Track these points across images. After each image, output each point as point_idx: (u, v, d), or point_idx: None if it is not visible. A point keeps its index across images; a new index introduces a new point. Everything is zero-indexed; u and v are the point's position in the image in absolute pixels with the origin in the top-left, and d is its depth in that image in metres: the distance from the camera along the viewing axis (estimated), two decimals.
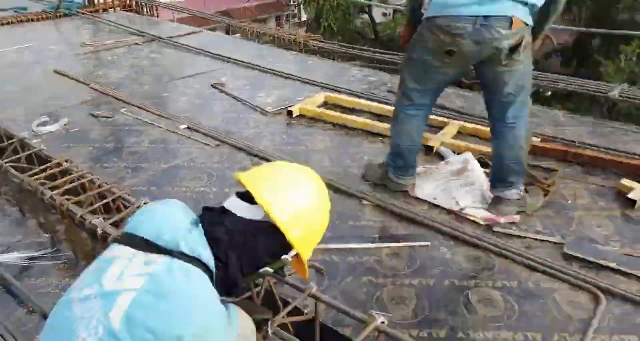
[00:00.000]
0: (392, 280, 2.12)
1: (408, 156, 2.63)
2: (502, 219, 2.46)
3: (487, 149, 3.01)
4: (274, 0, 28.97)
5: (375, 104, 3.89)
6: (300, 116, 3.80)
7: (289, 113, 3.77)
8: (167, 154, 3.20)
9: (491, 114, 2.47)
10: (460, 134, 3.47)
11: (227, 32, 7.91)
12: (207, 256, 1.15)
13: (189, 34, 6.29)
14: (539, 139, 3.22)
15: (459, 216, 2.53)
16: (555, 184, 2.75)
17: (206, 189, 2.80)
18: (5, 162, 2.59)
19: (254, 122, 3.72)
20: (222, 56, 5.21)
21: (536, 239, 2.36)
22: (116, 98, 4.10)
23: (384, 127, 3.43)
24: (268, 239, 1.25)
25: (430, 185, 2.75)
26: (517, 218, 2.46)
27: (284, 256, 1.33)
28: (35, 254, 2.27)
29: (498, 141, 2.47)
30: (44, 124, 3.52)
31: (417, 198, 2.70)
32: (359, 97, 4.09)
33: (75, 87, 4.34)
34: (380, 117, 3.73)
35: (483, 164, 2.94)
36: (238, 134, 3.48)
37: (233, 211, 1.26)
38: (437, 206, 2.63)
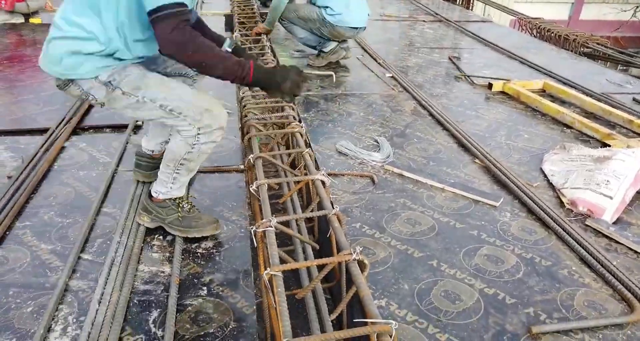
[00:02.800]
0: (424, 211, 2.11)
1: None
2: (580, 207, 2.05)
3: None
4: None
5: (589, 99, 3.42)
6: (503, 93, 3.69)
7: (490, 86, 3.70)
8: (359, 86, 3.69)
9: None
10: None
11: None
12: None
13: (477, 21, 6.49)
14: None
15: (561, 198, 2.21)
16: None
17: (357, 109, 3.19)
18: None
19: (453, 86, 3.82)
20: (483, 39, 5.28)
21: (629, 248, 1.89)
22: (364, 48, 4.78)
23: (572, 117, 3.07)
24: None
25: (560, 163, 2.45)
26: (600, 212, 2.04)
27: None
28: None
29: None
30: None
31: (543, 173, 2.46)
32: (589, 95, 3.63)
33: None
34: (587, 114, 3.30)
35: None
36: (428, 90, 3.68)
37: None
38: (551, 184, 2.34)
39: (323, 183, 1.66)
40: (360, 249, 1.21)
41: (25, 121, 2.81)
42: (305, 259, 1.65)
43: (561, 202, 2.20)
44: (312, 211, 1.69)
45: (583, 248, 1.85)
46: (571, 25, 20.15)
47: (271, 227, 1.37)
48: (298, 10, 4.06)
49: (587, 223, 2.03)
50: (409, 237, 1.92)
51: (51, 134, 2.59)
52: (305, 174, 2.03)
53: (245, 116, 2.30)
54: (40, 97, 3.20)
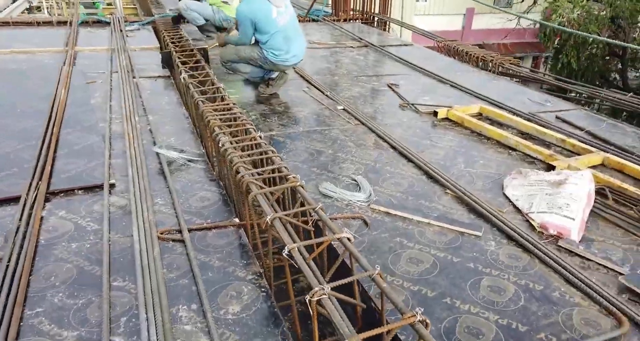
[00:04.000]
0: (421, 248, 2.29)
1: None
2: (550, 230, 2.35)
3: (619, 183, 2.83)
4: (534, 40, 27.76)
5: (523, 121, 3.84)
6: (447, 119, 4.01)
7: (435, 113, 4.02)
8: (317, 121, 3.84)
9: None
10: (603, 166, 3.23)
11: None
12: None
13: (399, 45, 6.93)
14: None
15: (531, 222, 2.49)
16: None
17: (324, 146, 3.32)
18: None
19: (402, 115, 4.09)
20: (412, 64, 5.67)
21: (599, 263, 2.20)
22: (307, 80, 4.96)
23: (516, 140, 3.44)
24: None
25: (521, 188, 2.74)
26: (567, 233, 2.34)
27: None
28: (192, 157, 3.12)
29: None
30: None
31: (507, 198, 2.74)
32: (517, 115, 4.06)
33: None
34: (523, 134, 3.70)
35: (599, 193, 2.76)
36: (381, 120, 3.91)
37: None
38: (517, 208, 2.62)
39: (349, 239, 1.77)
40: (422, 309, 1.34)
41: None
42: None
43: (531, 225, 2.48)
44: (331, 266, 1.79)
45: (564, 268, 2.12)
46: (465, 35, 21.90)
47: (325, 295, 1.47)
48: (239, 51, 4.45)
49: (559, 244, 2.32)
50: (418, 277, 2.08)
51: (24, 204, 2.45)
52: (313, 226, 2.14)
53: (237, 172, 2.35)
54: None
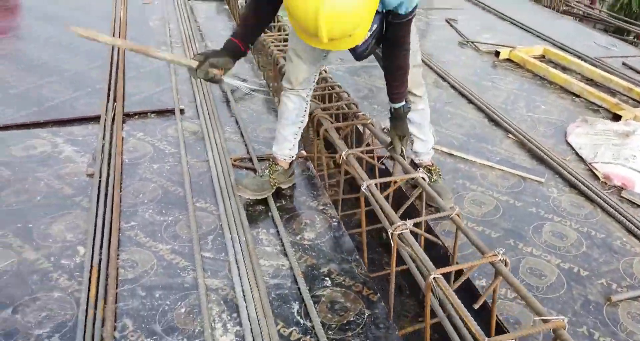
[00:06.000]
0: (484, 190, 2.35)
1: None
2: (615, 181, 2.37)
3: None
4: None
5: (588, 66, 3.71)
6: (509, 60, 3.91)
7: (497, 53, 3.91)
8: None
9: None
10: None
11: None
12: None
13: None
14: None
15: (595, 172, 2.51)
16: None
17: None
18: None
19: (460, 53, 3.99)
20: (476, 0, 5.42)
21: None
22: None
23: (580, 86, 3.35)
24: None
25: (585, 137, 2.73)
26: (631, 185, 2.37)
27: None
28: (255, 87, 3.16)
29: None
30: None
31: (570, 146, 2.74)
32: (581, 58, 3.92)
33: None
34: (587, 80, 3.60)
35: None
36: (438, 57, 3.84)
37: None
38: (580, 156, 2.63)
39: (424, 179, 1.84)
40: (503, 250, 1.43)
41: (65, 108, 2.75)
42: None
43: (594, 175, 2.50)
44: (403, 207, 1.87)
45: (626, 219, 2.17)
46: None
47: (407, 230, 1.56)
48: None
49: (622, 195, 2.35)
50: (481, 218, 2.16)
51: (105, 124, 2.57)
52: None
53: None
54: (64, 78, 3.10)
